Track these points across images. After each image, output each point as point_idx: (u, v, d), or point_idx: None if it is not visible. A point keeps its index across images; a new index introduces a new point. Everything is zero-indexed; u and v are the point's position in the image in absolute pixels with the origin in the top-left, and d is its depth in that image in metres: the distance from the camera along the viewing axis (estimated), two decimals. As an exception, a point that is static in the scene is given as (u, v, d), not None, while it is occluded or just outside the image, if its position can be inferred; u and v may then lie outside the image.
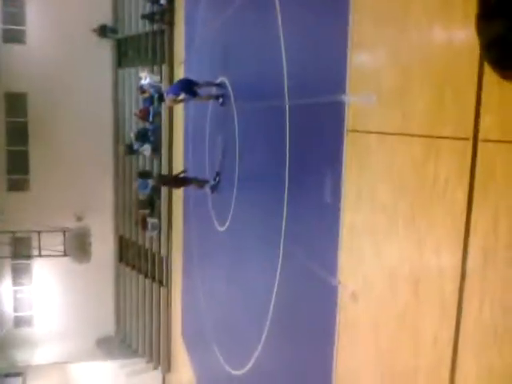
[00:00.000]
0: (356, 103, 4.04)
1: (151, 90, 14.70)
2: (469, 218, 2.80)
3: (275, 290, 5.91)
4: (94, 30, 16.85)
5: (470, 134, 2.74)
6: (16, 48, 16.76)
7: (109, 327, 18.41)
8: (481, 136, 2.68)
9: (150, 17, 14.99)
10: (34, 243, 16.65)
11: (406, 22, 3.38)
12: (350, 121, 4.15)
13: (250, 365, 7.00)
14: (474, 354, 2.79)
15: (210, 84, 8.83)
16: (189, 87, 8.64)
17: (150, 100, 14.94)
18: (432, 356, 3.12)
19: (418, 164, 3.20)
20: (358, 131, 4.03)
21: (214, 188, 9.00)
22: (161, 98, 14.16)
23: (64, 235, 16.35)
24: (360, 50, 4.03)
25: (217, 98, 8.64)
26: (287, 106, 5.50)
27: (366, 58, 4.01)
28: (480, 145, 2.70)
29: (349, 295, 4.14)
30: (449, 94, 2.94)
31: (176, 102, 9.18)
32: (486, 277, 2.70)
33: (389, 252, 3.60)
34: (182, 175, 9.92)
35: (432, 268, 3.12)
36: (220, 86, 8.53)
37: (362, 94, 3.92)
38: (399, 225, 3.44)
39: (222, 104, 8.47)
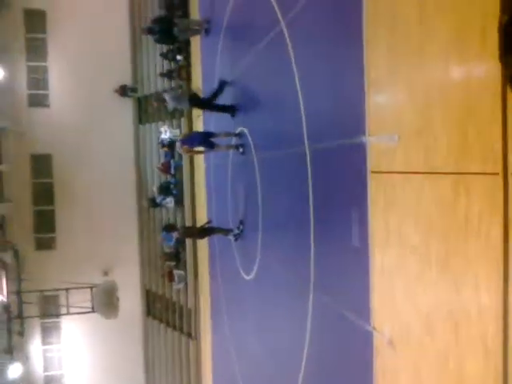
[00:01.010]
0: (378, 144, 4.01)
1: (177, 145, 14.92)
2: (506, 254, 2.69)
3: (307, 338, 5.74)
4: (116, 91, 17.41)
5: (499, 168, 2.67)
6: (40, 111, 17.36)
7: (139, 382, 18.08)
8: (511, 169, 2.61)
9: (167, 74, 15.44)
10: (62, 301, 16.69)
11: (422, 59, 3.38)
12: (372, 162, 4.10)
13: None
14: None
15: (228, 134, 8.94)
16: (205, 139, 8.86)
17: (171, 154, 15.18)
18: (480, 404, 2.94)
19: (448, 202, 3.12)
20: (381, 172, 3.98)
21: (237, 236, 8.96)
22: (170, 146, 14.45)
23: (91, 291, 16.37)
24: (377, 90, 4.03)
25: (237, 147, 8.72)
26: (307, 151, 5.50)
27: (384, 97, 4.00)
28: (511, 178, 2.62)
29: (385, 341, 3.98)
30: (472, 129, 2.89)
31: (191, 152, 9.46)
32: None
33: (423, 294, 3.47)
34: (206, 226, 9.93)
35: (471, 309, 2.98)
36: (238, 135, 8.63)
37: (383, 135, 3.89)
38: (432, 265, 3.32)
39: (243, 153, 8.53)
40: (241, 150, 8.58)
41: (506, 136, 2.64)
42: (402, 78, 3.66)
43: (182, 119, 15.00)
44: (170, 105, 9.90)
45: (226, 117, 9.58)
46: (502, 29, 1.72)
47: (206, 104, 9.58)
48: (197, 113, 13.57)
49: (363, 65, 4.13)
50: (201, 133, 9.47)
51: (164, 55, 15.07)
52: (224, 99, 9.25)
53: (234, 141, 8.90)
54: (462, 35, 2.92)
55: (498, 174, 2.69)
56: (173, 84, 15.48)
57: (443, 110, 3.18)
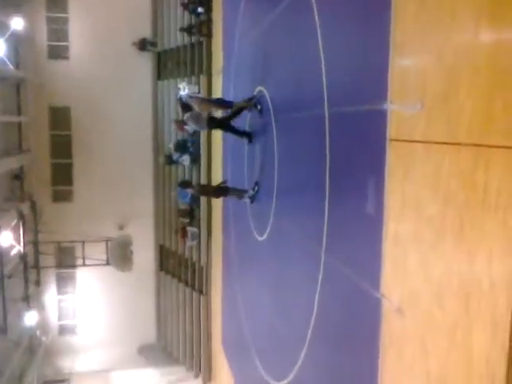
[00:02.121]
0: (399, 111, 3.92)
1: (190, 101, 14.81)
2: (523, 231, 2.66)
3: (316, 300, 5.81)
4: (134, 44, 17.20)
5: (523, 142, 2.61)
6: (60, 63, 17.27)
7: (150, 335, 18.61)
8: (535, 144, 2.55)
9: (188, 30, 15.17)
10: (78, 253, 17.05)
11: (451, 23, 3.26)
12: (392, 129, 4.03)
13: (291, 376, 6.90)
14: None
15: (247, 102, 8.86)
16: (223, 101, 8.94)
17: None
18: (485, 374, 2.97)
19: (467, 174, 3.06)
20: (401, 140, 3.91)
21: (253, 198, 8.97)
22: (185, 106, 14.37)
23: (106, 244, 16.68)
24: (402, 55, 3.92)
25: (255, 105, 8.62)
26: (327, 115, 5.42)
27: (409, 63, 3.89)
28: (534, 153, 2.56)
29: (394, 309, 4.01)
30: (499, 101, 2.81)
31: (205, 104, 9.46)
32: (543, 292, 2.55)
33: (436, 265, 3.46)
34: (222, 185, 9.95)
35: (483, 282, 2.98)
36: (257, 107, 8.53)
37: (405, 103, 3.80)
38: (447, 236, 3.30)
39: (261, 112, 8.45)
40: (259, 107, 8.48)
41: (533, 109, 2.57)
42: (430, 42, 3.54)
43: (201, 76, 14.83)
44: (190, 127, 9.71)
45: (245, 83, 9.47)
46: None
47: (224, 125, 9.46)
48: (216, 70, 13.40)
49: (390, 27, 4.00)
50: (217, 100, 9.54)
51: (185, 5, 14.76)
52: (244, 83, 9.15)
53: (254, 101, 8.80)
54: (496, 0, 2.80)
55: (521, 148, 2.62)
56: (193, 40, 15.22)
57: (470, 79, 3.08)
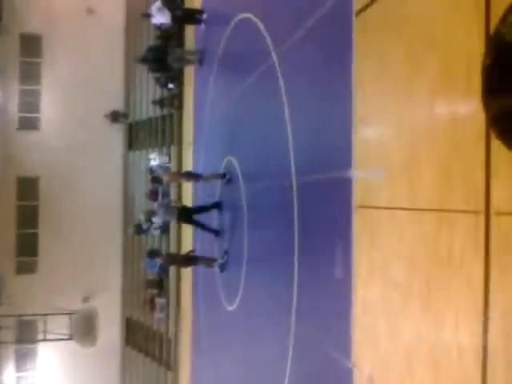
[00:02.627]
0: (364, 178, 4.04)
1: (160, 171, 14.95)
2: (487, 293, 2.69)
3: (288, 371, 5.65)
4: (107, 116, 17.47)
5: (481, 207, 2.70)
6: (30, 134, 17.34)
7: (114, 415, 17.60)
8: (493, 209, 2.63)
9: (159, 102, 15.56)
10: (40, 326, 16.33)
11: (409, 96, 3.45)
12: (358, 196, 4.13)
13: None
14: None
15: (215, 176, 9.05)
16: (191, 173, 9.19)
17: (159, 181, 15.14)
18: None
19: (431, 239, 3.13)
20: (366, 207, 4.00)
21: (222, 267, 8.89)
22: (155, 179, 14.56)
23: (70, 318, 16.05)
24: (364, 125, 4.09)
25: (223, 176, 8.78)
26: (294, 183, 5.53)
27: (371, 133, 4.06)
28: (493, 218, 2.64)
29: (365, 379, 3.93)
30: (457, 168, 2.93)
31: (174, 176, 9.68)
32: (509, 359, 2.55)
33: (405, 331, 3.44)
34: (190, 254, 9.85)
35: (451, 349, 2.96)
36: (225, 177, 8.70)
37: (369, 169, 3.93)
38: (415, 302, 3.31)
39: (227, 183, 8.61)
40: (225, 179, 8.65)
41: (488, 176, 2.68)
42: (389, 114, 3.72)
43: (172, 147, 15.05)
44: (159, 217, 9.93)
45: (215, 153, 9.70)
46: (484, 71, 1.76)
47: (192, 220, 9.75)
48: (187, 141, 13.64)
49: (352, 100, 4.20)
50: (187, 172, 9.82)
51: (157, 79, 15.22)
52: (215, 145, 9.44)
53: (221, 170, 8.96)
54: (449, 74, 2.99)
55: (480, 212, 2.71)
56: (164, 111, 15.57)
57: (429, 148, 3.23)
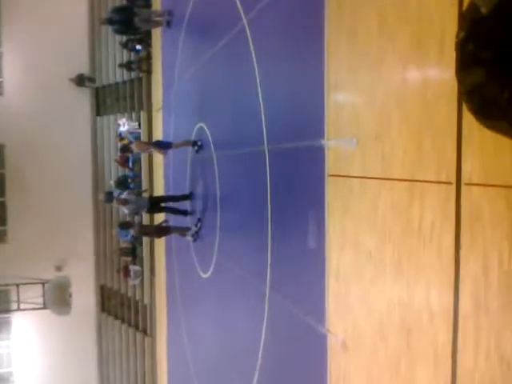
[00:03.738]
0: (336, 147, 4.02)
1: (130, 137, 14.69)
2: (457, 262, 2.74)
3: (263, 338, 5.74)
4: (72, 80, 16.92)
5: (452, 178, 2.71)
6: (-7, 99, 16.72)
7: (92, 380, 17.74)
8: (464, 180, 2.65)
9: (127, 66, 15.12)
10: (13, 296, 16.17)
11: (381, 65, 3.40)
12: (330, 165, 4.12)
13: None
14: (472, 406, 2.68)
15: (186, 142, 8.92)
16: (161, 142, 9.14)
17: (129, 146, 14.91)
18: (428, 408, 2.99)
19: (402, 209, 3.15)
20: (339, 176, 3.99)
21: (195, 236, 8.86)
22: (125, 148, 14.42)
23: (43, 287, 15.92)
24: (337, 94, 4.04)
25: (194, 144, 8.66)
26: (267, 152, 5.48)
27: (344, 102, 4.01)
28: (464, 188, 2.66)
29: (339, 344, 4.01)
30: (428, 139, 2.93)
31: (144, 146, 9.67)
32: (479, 323, 2.62)
33: (377, 299, 3.51)
34: (163, 224, 9.77)
35: (423, 315, 3.03)
36: (196, 144, 8.59)
37: (342, 139, 3.90)
38: (386, 271, 3.36)
39: (198, 151, 8.52)
40: (196, 147, 8.55)
41: (460, 147, 2.68)
42: (362, 83, 3.68)
43: (141, 112, 14.75)
44: (130, 209, 9.75)
45: (186, 119, 9.53)
46: (458, 45, 1.72)
47: (163, 208, 9.84)
48: (156, 106, 13.37)
49: (324, 68, 4.12)
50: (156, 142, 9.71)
51: (124, 45, 14.75)
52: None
53: (192, 137, 8.83)
54: (421, 45, 2.94)
55: (451, 183, 2.73)
56: (132, 75, 15.17)
57: (400, 118, 3.21)
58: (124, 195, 9.80)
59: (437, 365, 2.92)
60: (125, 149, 14.86)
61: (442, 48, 2.71)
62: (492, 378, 2.54)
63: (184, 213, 9.40)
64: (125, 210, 9.62)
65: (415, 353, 3.10)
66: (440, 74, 2.83)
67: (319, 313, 4.30)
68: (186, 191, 9.61)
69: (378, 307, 3.49)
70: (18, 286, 15.76)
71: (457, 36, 1.72)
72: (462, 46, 1.70)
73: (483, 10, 1.64)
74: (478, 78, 1.67)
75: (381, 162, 3.41)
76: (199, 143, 8.52)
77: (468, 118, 2.61)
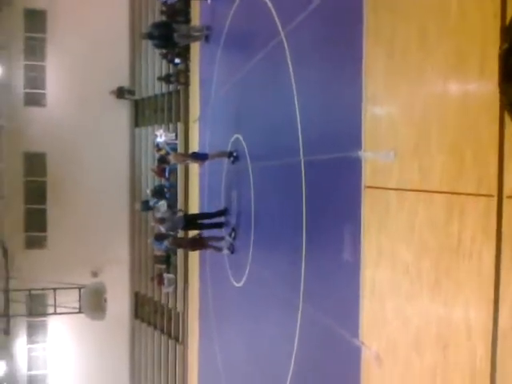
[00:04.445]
0: (374, 159, 4.01)
1: (167, 147, 14.94)
2: (498, 277, 2.69)
3: (295, 350, 5.72)
4: (112, 92, 17.37)
5: (494, 190, 2.68)
6: (36, 110, 17.30)
7: (124, 385, 17.98)
8: (506, 192, 2.61)
9: (165, 79, 15.44)
10: (50, 301, 16.57)
11: (421, 78, 3.39)
12: (367, 177, 4.11)
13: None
14: (511, 424, 2.61)
15: (222, 154, 9.00)
16: (198, 154, 9.41)
17: (166, 157, 15.16)
18: (466, 426, 2.93)
19: (441, 222, 3.12)
20: (376, 187, 3.98)
21: (232, 249, 8.87)
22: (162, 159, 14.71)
23: (79, 292, 16.26)
24: (375, 106, 4.04)
25: (230, 155, 8.73)
26: (302, 163, 5.50)
27: (382, 114, 4.01)
28: (505, 201, 2.62)
29: (373, 357, 3.97)
30: (469, 150, 2.90)
31: (180, 158, 9.81)
32: (519, 341, 2.57)
33: (413, 314, 3.46)
34: (197, 237, 9.81)
35: (461, 331, 2.98)
36: (232, 155, 8.66)
37: (379, 151, 3.90)
38: (423, 285, 3.32)
39: (233, 162, 8.58)
40: (232, 158, 8.61)
41: (502, 159, 2.65)
42: (401, 96, 3.67)
43: (178, 124, 14.99)
44: (166, 227, 10.03)
45: (222, 131, 9.64)
46: (501, 56, 1.72)
47: (198, 225, 9.93)
48: (193, 117, 13.57)
49: (362, 80, 4.14)
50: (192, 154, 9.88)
51: (164, 55, 15.09)
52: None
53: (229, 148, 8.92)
54: (462, 58, 2.93)
55: (492, 196, 2.69)
56: (171, 88, 15.46)
57: (440, 130, 3.19)
58: (160, 214, 10.01)
59: (474, 381, 2.87)
60: (162, 160, 15.11)
61: (483, 61, 2.70)
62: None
63: (219, 226, 9.43)
64: (161, 228, 9.78)
65: (452, 368, 3.05)
66: (481, 86, 2.81)
67: (353, 325, 4.27)
68: (221, 203, 9.69)
69: (413, 321, 3.44)
70: (55, 290, 16.15)
71: (500, 48, 1.72)
72: (505, 58, 1.71)
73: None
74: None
75: (419, 175, 3.38)
76: (235, 154, 8.60)
77: (510, 130, 2.59)
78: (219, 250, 9.13)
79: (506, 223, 2.64)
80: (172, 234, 10.44)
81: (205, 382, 12.21)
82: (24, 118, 16.96)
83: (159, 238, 11.50)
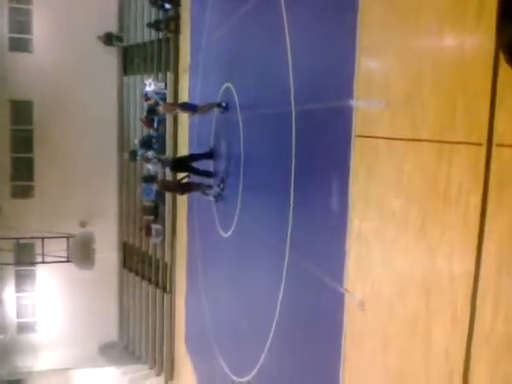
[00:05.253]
0: (364, 108, 3.98)
1: (156, 97, 14.69)
2: (482, 224, 2.73)
3: (280, 297, 5.83)
4: (100, 38, 16.88)
5: (483, 139, 2.68)
6: (22, 56, 16.80)
7: (112, 333, 18.32)
8: (495, 141, 2.62)
9: (155, 25, 15.00)
10: (38, 250, 16.63)
11: (416, 26, 3.33)
12: (357, 126, 4.09)
13: (254, 372, 6.91)
14: (486, 367, 2.71)
15: (211, 106, 8.89)
16: (188, 104, 9.28)
17: (155, 106, 14.93)
18: (444, 368, 3.03)
19: (429, 170, 3.13)
20: (366, 136, 3.96)
21: (218, 197, 8.93)
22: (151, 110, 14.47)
23: (67, 241, 16.31)
24: (368, 55, 3.98)
25: (218, 105, 8.63)
26: (293, 112, 5.45)
27: (375, 63, 3.95)
28: (494, 150, 2.63)
29: (356, 303, 4.06)
30: (461, 99, 2.88)
31: (170, 107, 9.69)
32: (499, 286, 2.63)
33: (398, 260, 3.52)
34: (185, 180, 9.84)
35: (443, 276, 3.04)
36: (221, 106, 8.55)
37: (371, 100, 3.86)
38: (409, 232, 3.37)
39: (224, 111, 8.49)
40: (223, 107, 8.52)
41: (493, 109, 2.64)
42: (395, 44, 3.61)
43: (168, 73, 14.69)
44: (153, 168, 9.86)
45: (213, 79, 9.48)
46: (501, -7, 1.68)
47: (187, 168, 9.79)
48: (183, 66, 13.30)
49: (356, 28, 4.05)
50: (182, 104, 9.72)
51: (153, 2, 14.61)
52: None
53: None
54: (459, 4, 2.86)
55: (481, 144, 2.69)
56: (160, 35, 15.07)
57: (433, 79, 3.15)
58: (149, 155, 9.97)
59: (454, 326, 2.95)
60: (151, 110, 14.89)
61: (481, 7, 2.64)
62: (509, 342, 2.55)
63: (208, 174, 9.45)
64: (149, 166, 9.75)
65: (433, 313, 3.13)
66: (477, 34, 2.76)
67: (338, 273, 4.34)
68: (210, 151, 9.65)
69: (398, 267, 3.51)
70: (43, 239, 16.16)
71: (500, -15, 1.68)
72: (504, -4, 1.66)
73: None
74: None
75: (410, 123, 3.37)
76: (224, 105, 8.49)
77: (503, 79, 2.56)
78: (206, 194, 9.19)
79: (493, 172, 2.66)
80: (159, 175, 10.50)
81: (191, 329, 12.50)
82: (9, 65, 16.47)
83: (148, 179, 11.51)
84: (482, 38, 2.69)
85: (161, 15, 14.77)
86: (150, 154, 14.59)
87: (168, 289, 15.49)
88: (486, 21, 2.59)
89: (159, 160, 9.48)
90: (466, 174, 2.81)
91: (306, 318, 5.28)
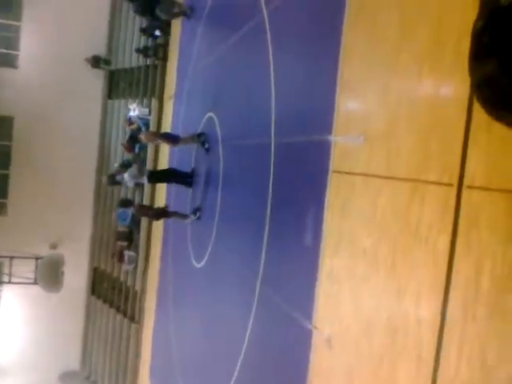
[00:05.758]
0: (342, 144, 4.00)
1: (139, 122, 14.69)
2: (451, 264, 2.72)
3: (248, 331, 5.71)
4: (88, 60, 16.93)
5: (455, 180, 2.70)
6: (7, 72, 16.72)
7: (74, 361, 17.71)
8: (466, 182, 2.63)
9: (143, 51, 15.11)
10: (5, 269, 16.17)
11: (396, 65, 3.39)
12: (335, 161, 4.10)
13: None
14: (450, 411, 2.65)
15: (193, 139, 8.87)
16: (169, 135, 9.25)
17: (137, 132, 14.89)
18: (406, 411, 2.97)
19: (402, 209, 3.13)
20: (342, 172, 3.97)
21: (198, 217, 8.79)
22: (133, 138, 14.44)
23: (36, 262, 15.90)
24: (348, 92, 4.03)
25: (202, 144, 8.60)
26: (273, 144, 5.46)
27: (354, 99, 4.00)
28: (464, 191, 2.64)
29: (324, 340, 3.99)
30: (435, 139, 2.91)
31: (152, 137, 9.68)
32: (464, 331, 2.60)
33: (367, 299, 3.48)
34: (163, 209, 9.76)
35: (410, 318, 3.01)
36: (204, 146, 8.52)
37: (349, 135, 3.89)
38: (379, 271, 3.34)
39: (208, 150, 8.44)
40: (205, 148, 8.49)
41: (465, 150, 2.66)
42: (375, 82, 3.66)
43: (153, 99, 14.74)
44: (130, 183, 9.87)
45: (196, 108, 9.52)
46: (474, 35, 1.70)
47: (165, 178, 9.92)
48: (168, 94, 13.37)
49: (338, 65, 4.11)
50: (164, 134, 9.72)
51: (143, 30, 14.76)
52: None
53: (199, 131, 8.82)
54: (439, 44, 2.93)
55: (452, 185, 2.71)
56: (148, 61, 15.18)
57: (410, 118, 3.19)
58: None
59: (419, 368, 2.90)
60: (133, 138, 14.83)
61: (459, 46, 2.70)
62: (472, 386, 2.51)
63: (188, 184, 9.28)
64: (126, 175, 9.62)
65: (399, 354, 3.08)
66: (454, 75, 2.82)
67: (307, 309, 4.28)
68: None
69: (366, 305, 3.47)
70: (11, 258, 15.75)
71: (474, 25, 1.70)
72: (478, 35, 1.69)
73: (503, 1, 1.63)
74: (489, 68, 1.65)
75: (386, 161, 3.39)
76: (206, 146, 8.45)
77: (477, 121, 2.60)
78: (184, 218, 9.08)
79: (462, 213, 2.66)
80: (136, 190, 10.35)
81: (157, 363, 12.15)
82: (-7, 79, 16.39)
83: (124, 203, 11.34)
84: (457, 80, 2.74)
85: (150, 42, 14.91)
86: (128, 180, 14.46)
87: (136, 318, 15.11)
88: (462, 63, 2.63)
89: (136, 168, 9.36)
90: (436, 214, 2.82)
91: (273, 353, 5.17)
